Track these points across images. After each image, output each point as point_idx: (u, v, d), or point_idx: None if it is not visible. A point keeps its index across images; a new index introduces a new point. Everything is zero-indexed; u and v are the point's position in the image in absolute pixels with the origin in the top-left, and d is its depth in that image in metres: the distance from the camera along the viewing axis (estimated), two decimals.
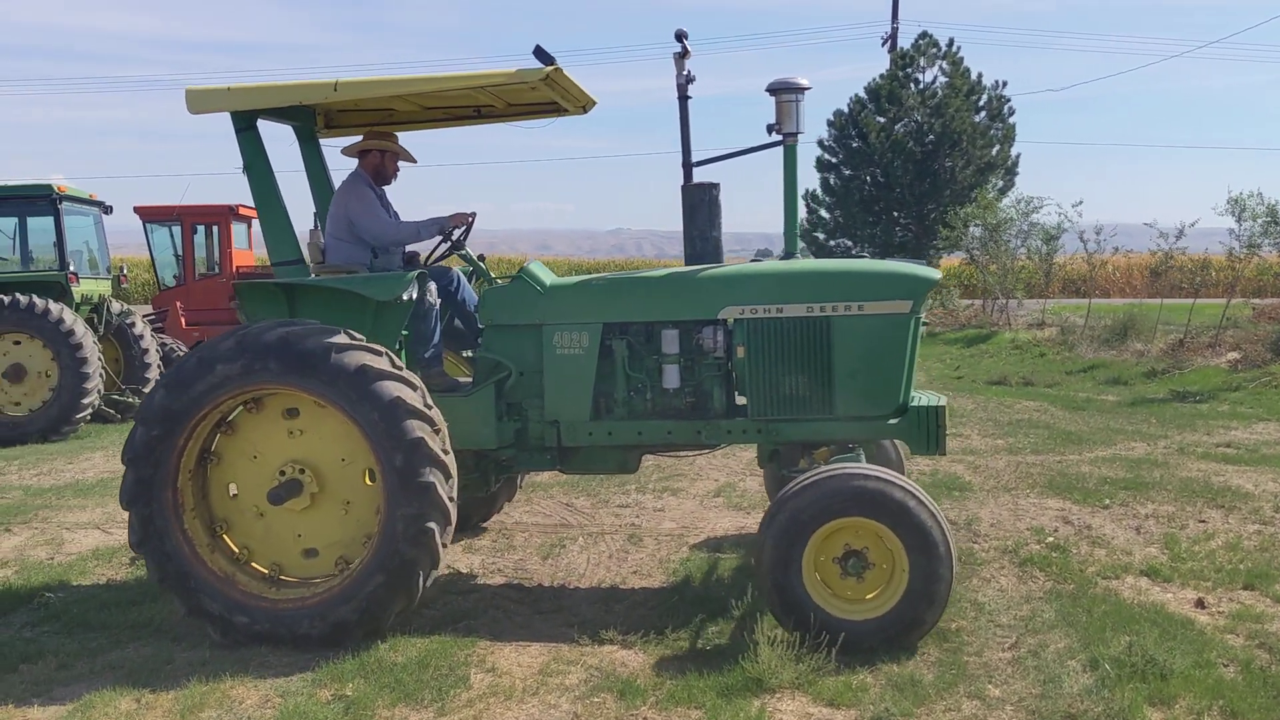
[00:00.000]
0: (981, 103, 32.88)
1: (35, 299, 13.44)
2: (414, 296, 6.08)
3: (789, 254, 6.21)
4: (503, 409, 6.19)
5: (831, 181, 34.04)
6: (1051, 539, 7.23)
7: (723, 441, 6.20)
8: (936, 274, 6.03)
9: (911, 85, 33.09)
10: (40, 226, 14.76)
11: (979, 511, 8.06)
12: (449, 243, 6.45)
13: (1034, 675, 4.95)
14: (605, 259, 68.79)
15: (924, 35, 33.35)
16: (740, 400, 6.25)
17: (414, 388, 5.55)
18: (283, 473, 5.66)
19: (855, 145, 33.29)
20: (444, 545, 5.52)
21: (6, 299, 13.42)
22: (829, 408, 5.92)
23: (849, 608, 5.25)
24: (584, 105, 6.59)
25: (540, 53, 5.57)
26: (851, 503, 5.17)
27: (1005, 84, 33.26)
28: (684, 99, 6.12)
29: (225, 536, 5.78)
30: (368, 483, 5.69)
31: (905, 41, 34.91)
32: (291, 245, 6.07)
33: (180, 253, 19.07)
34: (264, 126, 6.09)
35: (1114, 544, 7.10)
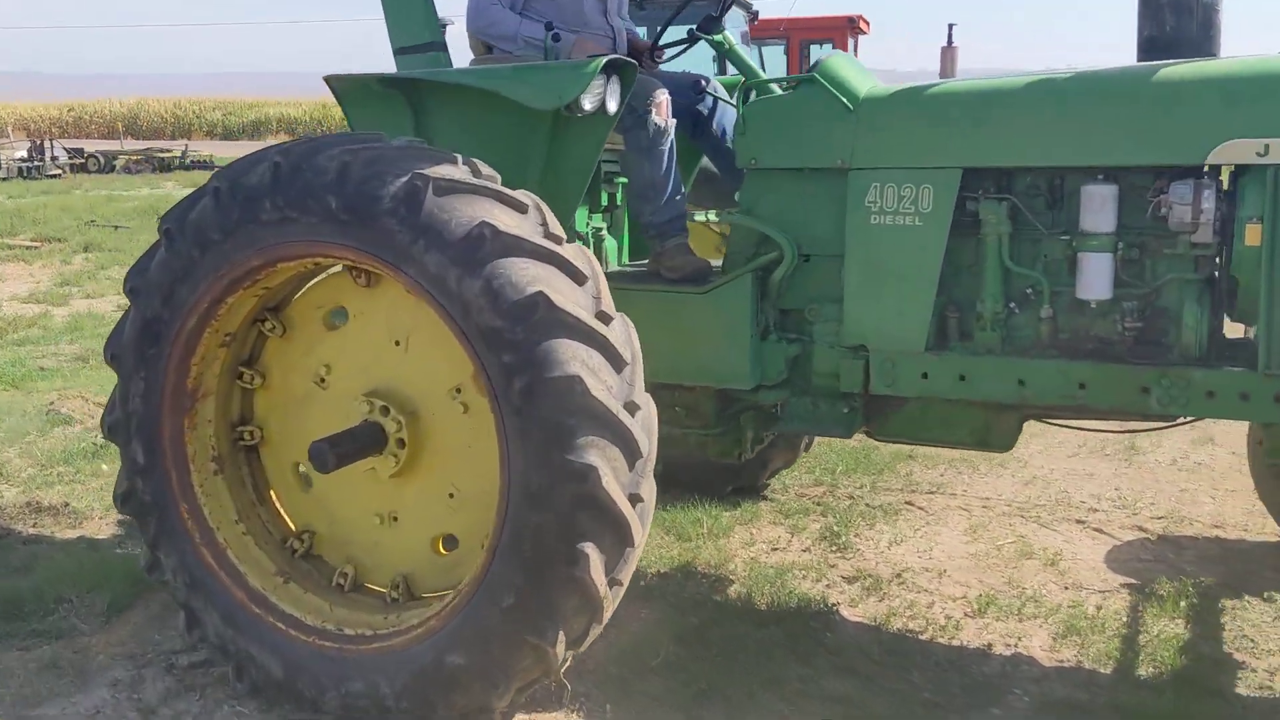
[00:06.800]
0: None
1: None
2: (610, 109, 3.53)
3: None
4: (769, 319, 3.72)
5: None
6: None
7: (1194, 412, 3.26)
8: None
9: None
10: None
11: None
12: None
13: None
14: None
15: None
16: (1241, 333, 3.40)
17: (579, 280, 3.00)
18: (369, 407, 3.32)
19: None
20: (608, 583, 2.87)
21: None
22: None
23: None
24: None
25: None
26: None
27: None
28: None
29: None
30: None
31: None
32: (421, 23, 3.95)
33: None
34: None
35: None
